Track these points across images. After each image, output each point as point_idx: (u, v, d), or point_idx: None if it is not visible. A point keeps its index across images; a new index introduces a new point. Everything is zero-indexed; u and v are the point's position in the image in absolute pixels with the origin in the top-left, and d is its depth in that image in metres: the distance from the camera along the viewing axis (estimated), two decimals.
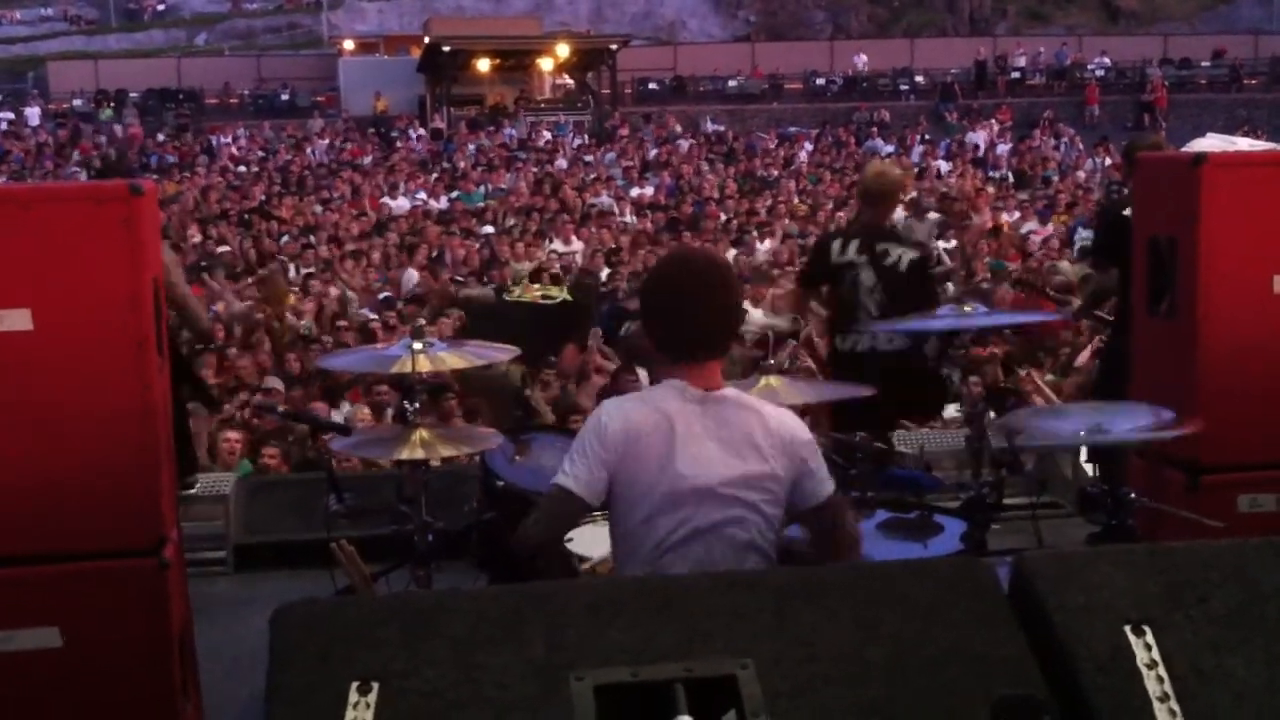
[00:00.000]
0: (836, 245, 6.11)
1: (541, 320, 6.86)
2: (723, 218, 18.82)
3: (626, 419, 3.08)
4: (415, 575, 4.27)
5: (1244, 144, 5.34)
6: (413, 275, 13.93)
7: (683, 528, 3.05)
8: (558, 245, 16.17)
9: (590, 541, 3.91)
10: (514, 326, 6.95)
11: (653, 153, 28.59)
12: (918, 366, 5.93)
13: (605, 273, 13.37)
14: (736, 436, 3.08)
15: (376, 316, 11.08)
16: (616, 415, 3.10)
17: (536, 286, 6.92)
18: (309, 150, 29.15)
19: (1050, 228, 17.38)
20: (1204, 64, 38.05)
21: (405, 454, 4.22)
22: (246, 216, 18.41)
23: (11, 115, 33.59)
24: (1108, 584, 2.50)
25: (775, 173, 25.79)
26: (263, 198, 20.92)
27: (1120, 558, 2.62)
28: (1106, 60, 38.19)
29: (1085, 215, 17.54)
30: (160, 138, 31.20)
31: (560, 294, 6.98)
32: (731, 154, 28.57)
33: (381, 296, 12.37)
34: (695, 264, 3.24)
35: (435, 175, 24.64)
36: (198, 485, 6.06)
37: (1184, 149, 5.27)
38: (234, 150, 29.30)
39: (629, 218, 19.70)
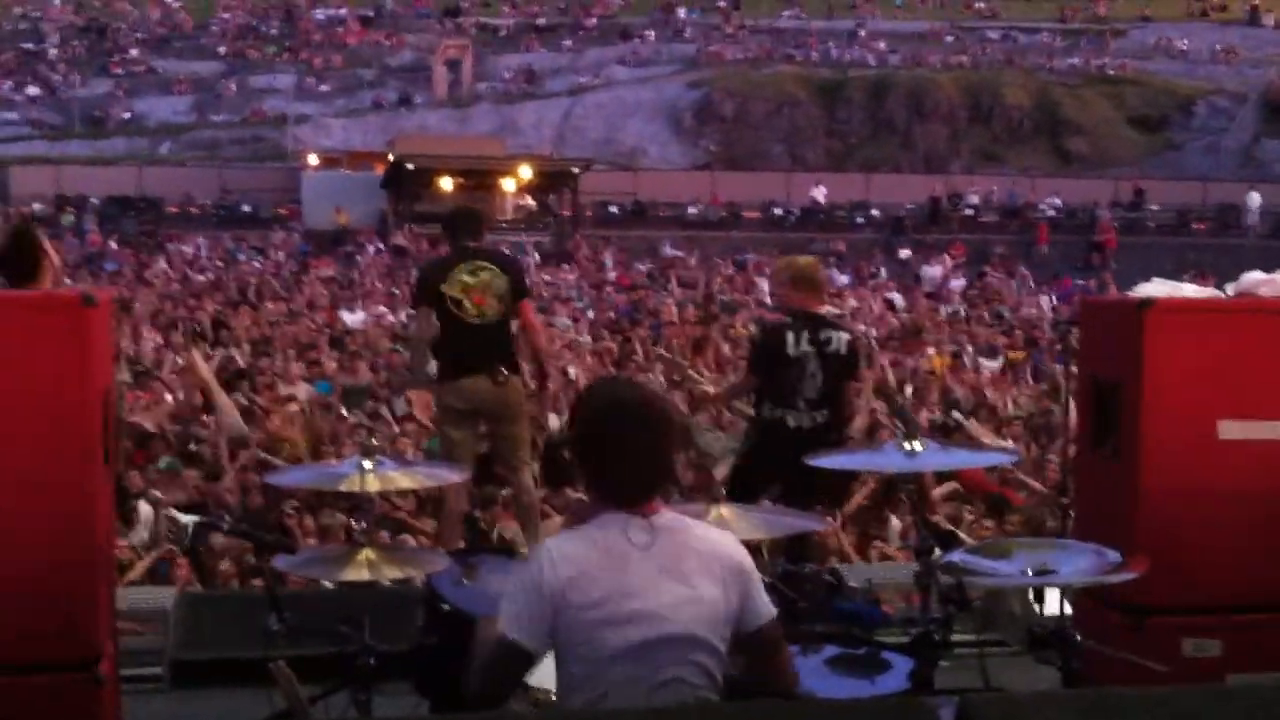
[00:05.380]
0: (790, 338, 6.45)
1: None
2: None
3: (566, 564, 3.00)
4: (355, 699, 4.19)
5: (1189, 289, 5.43)
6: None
7: (632, 672, 2.99)
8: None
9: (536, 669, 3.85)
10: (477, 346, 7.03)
11: (611, 275, 28.76)
12: (834, 441, 6.31)
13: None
14: (686, 570, 3.05)
15: None
16: (557, 559, 3.02)
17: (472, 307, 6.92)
18: (273, 255, 29.23)
19: (999, 363, 17.55)
20: (1153, 208, 38.93)
21: (350, 575, 4.17)
22: (197, 328, 18.28)
23: None
24: None
25: (735, 298, 25.98)
26: (217, 308, 20.81)
27: (1066, 704, 2.62)
28: (1057, 200, 39.01)
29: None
30: (113, 244, 31.16)
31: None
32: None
33: None
34: (630, 405, 3.13)
35: (395, 291, 24.67)
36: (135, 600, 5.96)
37: (1129, 293, 5.36)
38: (190, 258, 29.28)
39: (585, 338, 19.76)
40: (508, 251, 7.54)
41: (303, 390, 13.29)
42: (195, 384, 10.89)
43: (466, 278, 6.84)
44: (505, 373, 6.80)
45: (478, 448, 7.45)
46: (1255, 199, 38.02)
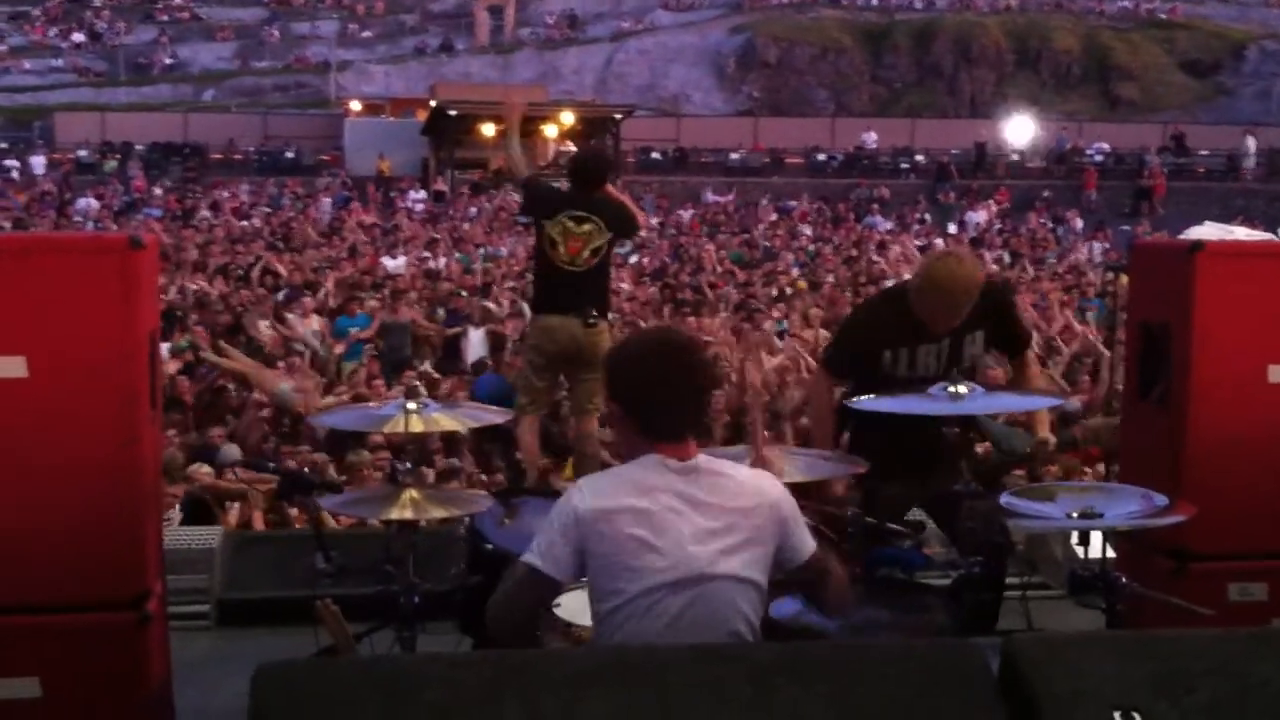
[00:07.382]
0: None
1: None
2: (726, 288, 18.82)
3: (600, 496, 3.04)
4: (400, 636, 4.24)
5: (1241, 233, 5.36)
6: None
7: (664, 608, 3.00)
8: None
9: (578, 607, 3.87)
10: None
11: (653, 221, 28.72)
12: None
13: None
14: (718, 508, 3.06)
15: None
16: (589, 493, 3.06)
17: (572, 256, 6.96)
18: (317, 205, 29.35)
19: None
20: (1202, 153, 38.36)
21: (394, 514, 4.20)
22: (243, 272, 18.36)
23: (18, 163, 33.77)
24: (1096, 670, 2.48)
25: (776, 245, 25.87)
26: (258, 255, 20.89)
27: (1109, 644, 2.61)
28: (1105, 146, 38.49)
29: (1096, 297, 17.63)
30: (158, 191, 31.38)
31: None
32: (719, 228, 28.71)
33: None
34: (670, 348, 3.20)
35: (437, 237, 24.73)
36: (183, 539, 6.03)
37: (1181, 236, 5.30)
38: (236, 204, 29.43)
39: (625, 285, 19.72)
40: (623, 201, 7.37)
41: (315, 323, 13.43)
42: (234, 375, 10.94)
43: (569, 223, 6.78)
44: (595, 315, 6.80)
45: (552, 401, 7.64)
46: (1251, 143, 37.45)
